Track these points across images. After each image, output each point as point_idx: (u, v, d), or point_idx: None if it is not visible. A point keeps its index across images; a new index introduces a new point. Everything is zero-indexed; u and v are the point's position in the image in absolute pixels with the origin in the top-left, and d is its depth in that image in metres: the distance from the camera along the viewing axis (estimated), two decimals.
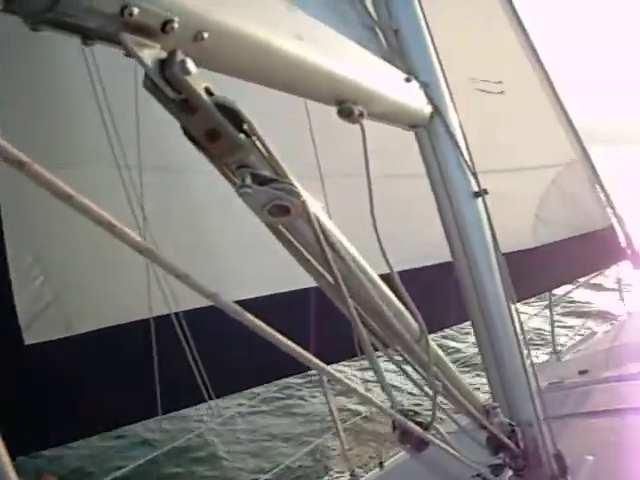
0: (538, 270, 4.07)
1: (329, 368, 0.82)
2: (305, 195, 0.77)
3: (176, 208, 2.69)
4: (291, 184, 0.75)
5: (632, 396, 2.60)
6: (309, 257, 0.87)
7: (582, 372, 3.30)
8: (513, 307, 1.56)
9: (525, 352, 1.56)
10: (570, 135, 4.52)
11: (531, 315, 5.26)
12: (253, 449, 6.04)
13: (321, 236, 0.79)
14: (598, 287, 9.80)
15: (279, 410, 6.88)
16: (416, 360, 1.06)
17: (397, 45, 1.49)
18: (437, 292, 2.92)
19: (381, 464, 3.07)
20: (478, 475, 1.42)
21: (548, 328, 4.98)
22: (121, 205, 2.31)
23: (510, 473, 1.58)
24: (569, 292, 5.43)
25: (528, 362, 1.56)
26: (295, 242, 0.84)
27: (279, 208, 0.73)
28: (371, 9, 1.49)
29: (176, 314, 2.48)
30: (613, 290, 6.36)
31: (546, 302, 4.97)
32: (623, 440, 2.30)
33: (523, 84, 4.28)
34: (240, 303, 2.22)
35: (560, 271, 4.37)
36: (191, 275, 0.62)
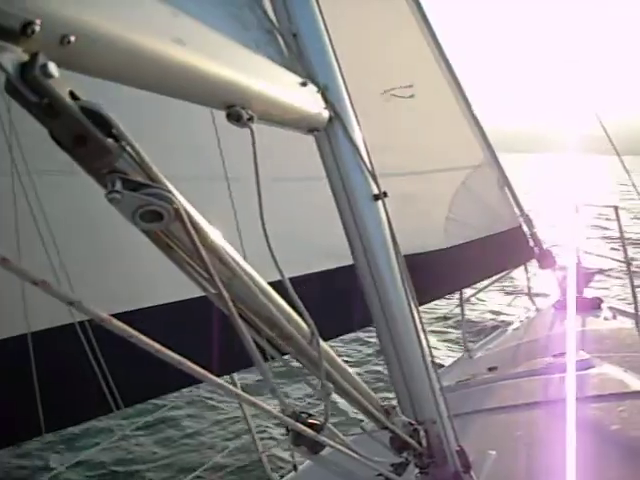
0: (450, 270, 4.16)
1: (212, 376, 0.81)
2: (181, 200, 0.76)
3: (80, 213, 2.60)
4: (164, 189, 0.73)
5: (536, 391, 2.69)
6: (192, 264, 0.86)
7: (491, 369, 3.39)
8: (414, 307, 1.58)
9: (427, 351, 1.59)
10: (479, 138, 4.65)
11: (443, 314, 5.41)
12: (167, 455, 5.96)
13: (197, 242, 0.78)
14: (508, 286, 10.14)
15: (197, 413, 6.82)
16: (308, 362, 1.06)
17: (296, 49, 1.50)
18: (343, 295, 2.94)
19: (295, 467, 3.08)
20: (380, 475, 1.44)
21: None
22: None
23: (416, 471, 1.61)
24: (480, 291, 5.59)
25: (429, 361, 1.59)
26: (175, 249, 0.83)
27: (152, 214, 0.72)
28: (271, 14, 1.50)
29: (81, 323, 2.39)
30: (522, 289, 6.58)
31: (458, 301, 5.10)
32: (525, 434, 2.38)
33: (433, 88, 4.37)
34: (148, 310, 2.16)
35: (471, 271, 4.48)
36: (53, 282, 0.60)
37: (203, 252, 0.79)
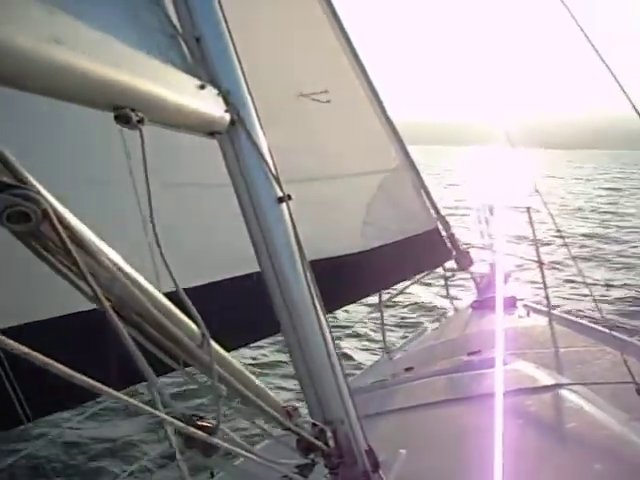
0: (368, 273, 4.21)
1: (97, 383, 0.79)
2: (52, 201, 0.74)
3: None
4: (31, 190, 0.71)
5: (449, 389, 2.75)
6: (69, 267, 0.84)
7: (407, 369, 3.44)
8: (320, 309, 1.59)
9: (333, 353, 1.60)
10: (394, 142, 4.73)
11: (363, 316, 5.46)
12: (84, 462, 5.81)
13: (68, 243, 0.76)
14: (427, 287, 10.35)
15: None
16: (200, 365, 1.06)
17: (199, 53, 1.49)
18: (252, 302, 2.92)
19: (212, 474, 3.04)
20: (286, 476, 1.44)
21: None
22: None
23: (326, 471, 1.62)
24: (399, 293, 5.67)
25: (336, 362, 1.61)
26: (50, 253, 0.81)
27: (20, 215, 0.70)
28: (174, 17, 1.49)
29: None
30: (441, 290, 6.71)
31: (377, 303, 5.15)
32: (438, 431, 2.42)
33: (349, 93, 4.41)
34: (42, 322, 2.07)
35: (389, 273, 4.54)
36: None
37: (75, 253, 0.77)
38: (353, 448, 1.62)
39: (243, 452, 1.16)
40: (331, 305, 3.89)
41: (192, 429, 0.97)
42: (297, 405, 1.45)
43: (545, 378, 2.62)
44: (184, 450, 1.06)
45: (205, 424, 1.02)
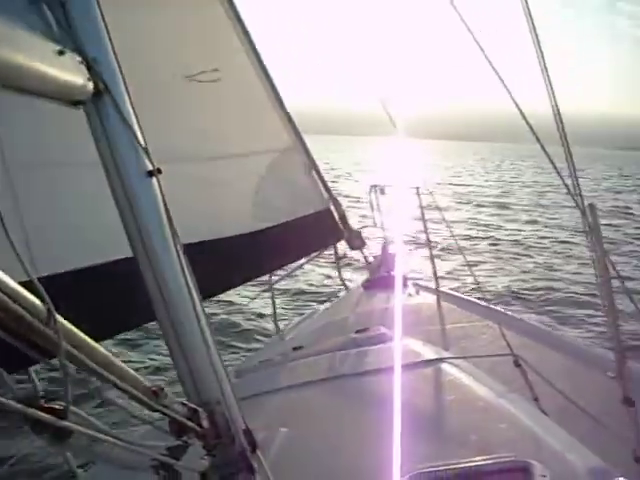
0: (258, 254, 4.17)
1: None
2: None
3: None
4: None
5: (332, 366, 2.77)
6: None
7: (296, 348, 3.44)
8: (193, 287, 1.55)
9: (208, 332, 1.56)
10: (285, 122, 4.70)
11: (253, 297, 5.45)
12: None
13: None
14: (320, 267, 10.48)
15: None
16: (47, 344, 0.99)
17: (64, 19, 1.41)
18: (126, 287, 2.82)
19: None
20: (155, 460, 1.39)
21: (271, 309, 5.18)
22: None
23: (204, 453, 1.59)
24: (290, 273, 5.69)
25: (211, 342, 1.57)
26: None
27: None
28: None
29: None
30: (334, 270, 6.78)
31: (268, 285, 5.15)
32: (319, 409, 2.44)
33: (239, 72, 4.35)
34: None
35: (280, 254, 4.52)
36: None
37: None
38: (230, 428, 1.59)
39: (101, 436, 1.11)
40: (221, 286, 3.85)
41: (37, 412, 0.91)
42: (163, 385, 1.40)
43: (428, 353, 2.69)
44: (34, 436, 0.99)
45: (54, 406, 0.96)
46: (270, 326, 6.89)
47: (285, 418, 2.34)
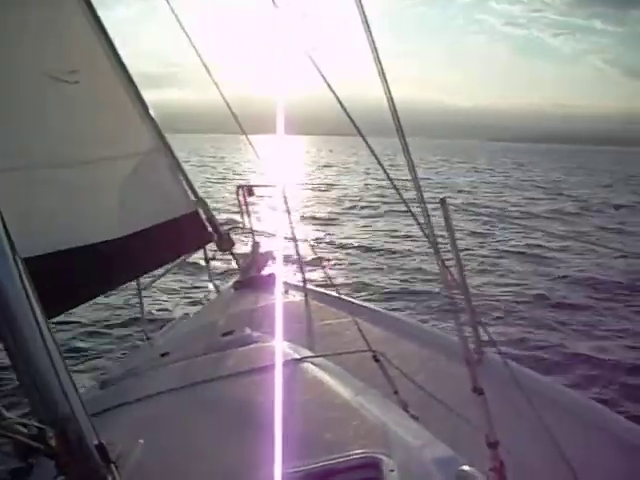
0: (124, 259, 4.07)
1: None
2: None
3: None
4: None
5: (195, 372, 2.72)
6: None
7: (163, 355, 3.37)
8: (32, 295, 1.46)
9: (53, 345, 1.49)
10: (148, 124, 4.61)
11: (123, 305, 5.30)
12: None
13: None
14: (190, 271, 10.36)
15: None
16: None
17: None
18: None
19: None
20: None
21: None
22: None
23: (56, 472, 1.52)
24: (158, 278, 5.57)
25: (57, 356, 1.50)
26: None
27: None
28: None
29: None
30: (204, 272, 6.71)
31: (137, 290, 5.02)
32: (181, 416, 2.39)
33: (98, 74, 4.22)
34: None
35: (147, 259, 4.43)
36: None
37: None
38: (82, 445, 1.53)
39: None
40: (87, 294, 3.72)
41: None
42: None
43: (289, 353, 2.69)
44: None
45: None
46: (138, 333, 6.73)
47: (147, 428, 2.28)
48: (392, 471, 1.82)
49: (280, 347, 2.62)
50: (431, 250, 2.27)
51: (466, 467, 1.91)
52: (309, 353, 2.77)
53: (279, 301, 4.69)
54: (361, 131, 2.37)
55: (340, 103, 2.31)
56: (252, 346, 2.86)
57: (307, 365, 2.60)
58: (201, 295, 8.94)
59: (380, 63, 1.89)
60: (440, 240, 2.50)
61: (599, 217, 27.03)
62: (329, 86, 2.33)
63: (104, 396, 2.98)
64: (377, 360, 2.85)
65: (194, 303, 8.84)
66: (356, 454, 1.92)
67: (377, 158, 2.35)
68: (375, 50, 1.89)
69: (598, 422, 3.07)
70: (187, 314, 5.71)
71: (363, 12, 1.87)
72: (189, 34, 4.60)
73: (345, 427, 2.10)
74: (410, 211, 2.37)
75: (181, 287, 10.64)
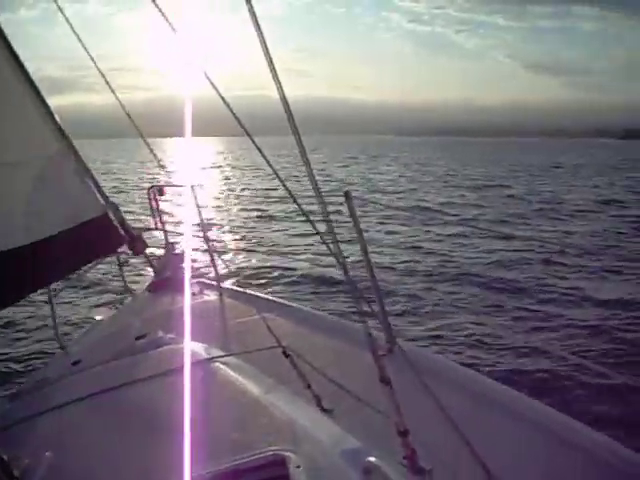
0: (33, 267, 3.96)
1: None
2: None
3: None
4: None
5: (106, 378, 2.65)
6: None
7: (75, 363, 3.30)
8: None
9: None
10: (52, 128, 4.49)
11: (34, 313, 5.15)
12: None
13: None
14: (104, 275, 10.11)
15: None
16: None
17: None
18: None
19: None
20: None
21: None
22: None
23: None
24: (70, 284, 5.45)
25: None
26: None
27: None
28: None
29: None
30: (117, 276, 6.60)
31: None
32: (90, 425, 2.34)
33: None
34: None
35: (58, 265, 4.32)
36: None
37: None
38: None
39: None
40: None
41: None
42: None
43: (199, 354, 2.68)
44: None
45: None
46: (54, 342, 6.54)
47: (56, 440, 2.23)
48: (298, 467, 1.85)
49: (189, 348, 2.61)
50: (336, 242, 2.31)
51: (372, 458, 1.96)
52: (219, 353, 2.76)
53: (187, 302, 4.65)
54: (248, 131, 2.38)
55: (227, 104, 2.32)
56: (163, 349, 2.82)
57: (217, 365, 2.59)
58: (116, 299, 8.76)
59: (272, 63, 1.93)
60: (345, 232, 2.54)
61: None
62: (216, 89, 2.33)
63: (13, 409, 2.89)
64: (287, 355, 2.85)
65: (109, 308, 8.64)
66: (263, 453, 1.94)
67: (265, 156, 2.37)
68: (267, 51, 1.92)
69: (510, 406, 3.13)
70: (101, 320, 5.60)
71: (253, 12, 1.90)
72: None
73: (253, 426, 2.12)
74: (301, 209, 2.41)
75: (95, 292, 10.36)
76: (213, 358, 2.65)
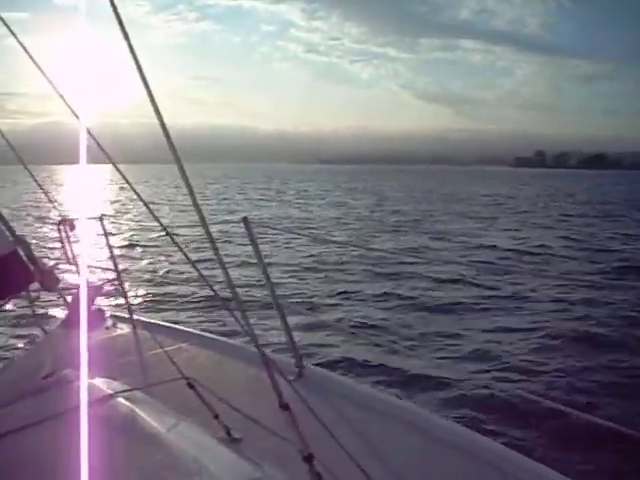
0: None
1: None
2: None
3: None
4: None
5: (8, 419, 2.49)
6: None
7: None
8: None
9: None
10: None
11: None
12: None
13: None
14: (16, 313, 9.82)
15: None
16: None
17: None
18: None
19: None
20: None
21: None
22: None
23: None
24: None
25: None
26: None
27: None
28: None
29: None
30: (30, 314, 6.44)
31: None
32: None
33: None
34: None
35: None
36: None
37: None
38: None
39: None
40: None
41: None
42: None
43: (100, 390, 2.59)
44: None
45: None
46: None
47: None
48: None
49: (97, 385, 2.53)
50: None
51: None
52: (122, 388, 2.66)
53: (84, 338, 4.56)
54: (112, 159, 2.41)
55: (90, 133, 2.33)
56: (70, 386, 2.71)
57: (118, 401, 2.50)
58: (30, 337, 8.49)
59: (148, 86, 1.93)
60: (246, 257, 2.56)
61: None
62: (77, 116, 2.33)
63: None
64: (192, 386, 2.80)
65: (21, 347, 8.38)
66: None
67: (130, 183, 2.39)
68: (142, 75, 1.93)
69: (419, 425, 3.18)
70: (12, 359, 5.44)
71: (126, 34, 1.92)
72: None
73: (153, 462, 2.07)
74: (174, 241, 2.43)
75: (6, 332, 10.02)
76: (115, 393, 2.55)
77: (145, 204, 2.45)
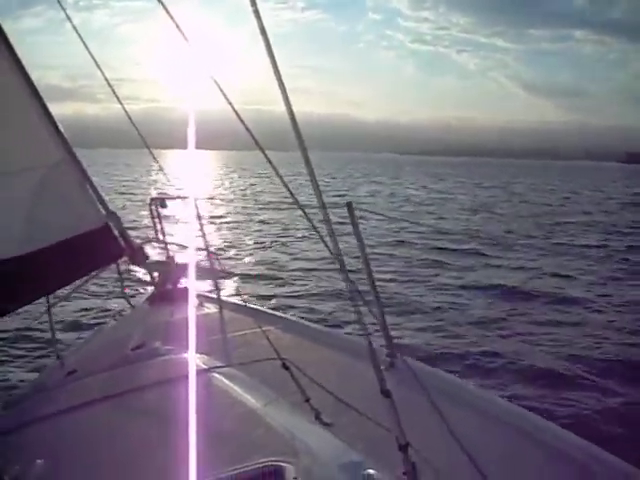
0: (33, 277, 3.94)
1: None
2: None
3: None
4: None
5: (101, 388, 2.66)
6: None
7: (70, 373, 3.28)
8: None
9: None
10: (54, 136, 4.47)
11: (33, 322, 5.13)
12: None
13: None
14: (103, 286, 10.10)
15: None
16: None
17: None
18: None
19: None
20: None
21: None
22: None
23: None
24: (69, 294, 5.41)
25: None
26: None
27: None
28: None
29: None
30: (118, 287, 6.58)
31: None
32: (84, 434, 2.34)
33: (1, 87, 4.09)
34: None
35: (57, 275, 4.29)
36: None
37: None
38: None
39: None
40: None
41: None
42: None
43: (197, 364, 2.65)
44: None
45: None
46: (51, 352, 6.51)
47: (48, 448, 2.22)
48: (295, 478, 1.84)
49: (189, 358, 2.60)
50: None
51: (371, 471, 1.94)
52: (218, 364, 2.74)
53: (192, 313, 4.64)
54: (260, 144, 2.39)
55: (240, 118, 2.32)
56: (159, 359, 2.82)
57: (214, 376, 2.58)
58: (115, 310, 8.74)
59: (279, 72, 1.91)
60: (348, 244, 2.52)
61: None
62: (229, 102, 2.33)
63: (6, 417, 2.89)
64: (287, 368, 2.84)
65: (108, 319, 8.63)
66: (260, 463, 1.93)
67: (275, 169, 2.36)
68: (274, 61, 1.91)
69: (513, 422, 3.11)
70: (99, 330, 5.56)
71: (262, 24, 1.89)
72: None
73: (251, 437, 2.11)
74: (306, 215, 2.39)
75: (94, 303, 10.36)
76: (211, 368, 2.63)
77: (289, 191, 2.42)
